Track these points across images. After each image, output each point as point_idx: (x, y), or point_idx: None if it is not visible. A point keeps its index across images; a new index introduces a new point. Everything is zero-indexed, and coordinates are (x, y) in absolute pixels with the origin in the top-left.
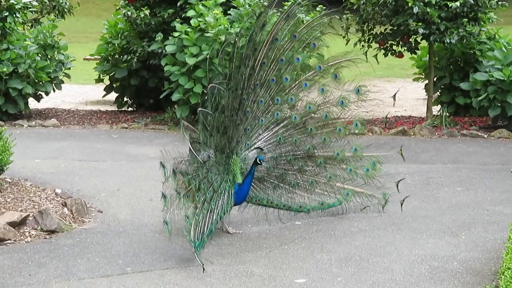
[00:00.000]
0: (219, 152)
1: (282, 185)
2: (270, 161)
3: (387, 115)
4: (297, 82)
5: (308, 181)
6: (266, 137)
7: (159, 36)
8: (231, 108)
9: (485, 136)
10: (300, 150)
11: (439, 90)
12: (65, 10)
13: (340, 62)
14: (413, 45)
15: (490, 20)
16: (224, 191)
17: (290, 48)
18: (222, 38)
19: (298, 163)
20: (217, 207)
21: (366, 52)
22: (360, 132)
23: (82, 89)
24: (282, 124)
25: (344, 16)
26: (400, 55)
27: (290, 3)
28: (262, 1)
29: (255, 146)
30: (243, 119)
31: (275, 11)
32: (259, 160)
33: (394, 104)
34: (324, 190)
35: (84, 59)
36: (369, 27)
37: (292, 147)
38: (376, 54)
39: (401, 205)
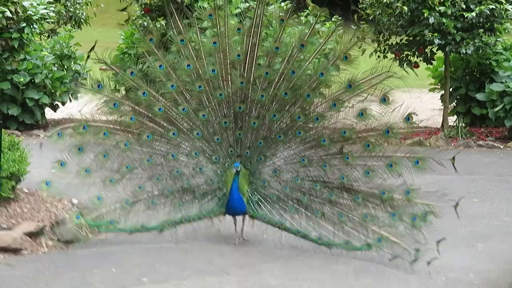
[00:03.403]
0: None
1: (302, 210)
2: (289, 182)
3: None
4: (323, 100)
5: (338, 215)
6: (286, 155)
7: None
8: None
9: (502, 147)
10: (332, 178)
11: (455, 101)
12: (82, 20)
13: (371, 79)
14: (429, 55)
15: (506, 30)
16: (212, 194)
17: (308, 60)
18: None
19: (329, 192)
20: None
21: (403, 64)
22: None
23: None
24: (308, 145)
25: (360, 26)
26: (416, 65)
27: (306, 13)
28: (278, 11)
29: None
30: (247, 132)
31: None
32: (234, 168)
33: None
34: (355, 229)
35: (100, 69)
36: (385, 38)
37: (321, 173)
38: (412, 65)
39: (437, 245)
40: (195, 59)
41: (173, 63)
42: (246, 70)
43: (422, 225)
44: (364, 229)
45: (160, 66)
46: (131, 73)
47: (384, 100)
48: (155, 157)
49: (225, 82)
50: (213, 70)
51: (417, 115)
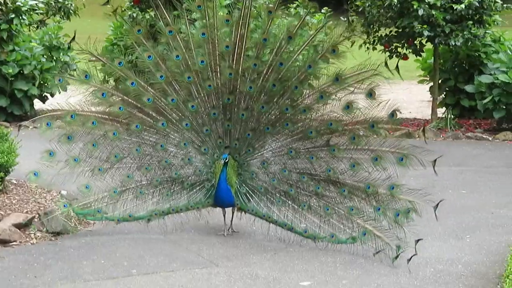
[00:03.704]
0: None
1: (290, 203)
2: (277, 174)
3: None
4: (311, 92)
5: (324, 208)
6: (274, 147)
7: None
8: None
9: (490, 138)
10: (319, 171)
11: (444, 93)
12: (71, 11)
13: (358, 75)
14: (418, 47)
15: (495, 22)
16: (200, 185)
17: (296, 52)
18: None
19: (315, 185)
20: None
21: (386, 62)
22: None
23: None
24: (296, 137)
25: (349, 18)
26: (405, 57)
27: (296, 4)
28: (267, 3)
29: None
30: (236, 124)
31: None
32: (222, 159)
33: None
34: (341, 222)
35: (90, 60)
36: (374, 29)
37: (308, 165)
38: (397, 65)
39: (415, 244)
40: (184, 50)
41: (162, 54)
42: (234, 62)
43: (404, 221)
44: (350, 222)
45: (149, 57)
46: (119, 63)
47: (371, 95)
48: (144, 147)
49: (214, 73)
50: (202, 61)
51: (401, 112)
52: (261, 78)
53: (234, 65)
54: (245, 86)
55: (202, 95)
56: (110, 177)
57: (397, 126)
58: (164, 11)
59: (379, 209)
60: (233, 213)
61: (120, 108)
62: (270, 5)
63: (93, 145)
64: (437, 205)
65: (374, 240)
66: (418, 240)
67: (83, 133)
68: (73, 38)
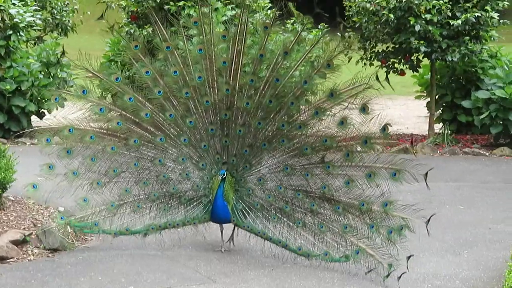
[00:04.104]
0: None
1: (285, 219)
2: (273, 191)
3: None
4: (306, 108)
5: (318, 225)
6: (270, 164)
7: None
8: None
9: (487, 154)
10: (313, 187)
11: (441, 108)
12: (68, 28)
13: (352, 89)
14: (415, 63)
15: (492, 38)
16: (197, 201)
17: (293, 68)
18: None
19: (310, 202)
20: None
21: (376, 75)
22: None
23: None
24: (292, 154)
25: (346, 34)
26: (402, 73)
27: (293, 21)
28: (264, 19)
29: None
30: (233, 140)
31: (278, 29)
32: (220, 175)
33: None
34: (334, 240)
35: (87, 76)
36: (371, 45)
37: (304, 182)
38: (387, 76)
39: (407, 261)
40: (181, 66)
41: (160, 70)
42: (231, 77)
43: (397, 238)
44: (343, 240)
45: (147, 72)
46: (116, 78)
47: (364, 109)
48: (142, 162)
49: (211, 89)
50: (199, 77)
51: (391, 126)
52: (258, 94)
53: (231, 81)
54: (242, 102)
55: (200, 110)
56: (108, 190)
57: (390, 140)
58: (162, 27)
59: (372, 226)
60: (233, 229)
61: (118, 123)
62: (267, 21)
63: (92, 159)
64: (429, 220)
65: (367, 259)
66: (409, 257)
67: (82, 147)
68: (63, 53)
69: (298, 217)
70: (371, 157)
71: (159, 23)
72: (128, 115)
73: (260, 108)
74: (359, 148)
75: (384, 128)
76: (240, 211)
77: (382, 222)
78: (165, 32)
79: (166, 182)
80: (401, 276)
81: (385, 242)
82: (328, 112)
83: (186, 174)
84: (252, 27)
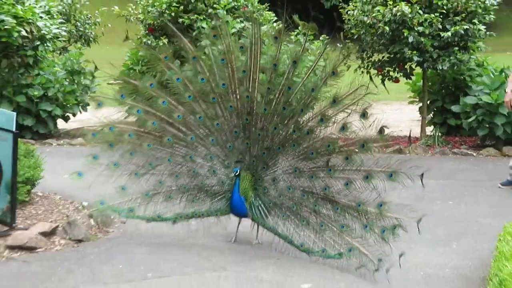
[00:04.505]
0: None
1: (292, 217)
2: (283, 191)
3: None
4: (313, 116)
5: (319, 224)
6: (283, 166)
7: (177, 63)
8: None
9: (475, 154)
10: (317, 189)
11: (432, 112)
12: (91, 39)
13: (352, 94)
14: (408, 71)
15: (479, 48)
16: (221, 195)
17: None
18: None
19: (314, 202)
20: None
21: (370, 76)
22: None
23: (106, 111)
24: (301, 157)
25: (345, 44)
26: (396, 80)
27: (296, 32)
28: (270, 31)
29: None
30: (254, 142)
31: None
32: (233, 172)
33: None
34: (332, 238)
35: (108, 83)
36: (368, 55)
37: (310, 183)
38: (384, 81)
39: (399, 258)
40: (207, 74)
41: (188, 77)
42: (250, 85)
43: (390, 237)
44: (340, 238)
45: (178, 79)
46: (151, 84)
47: (364, 115)
48: (175, 157)
49: (233, 95)
50: (223, 84)
51: (388, 128)
52: (274, 101)
53: (250, 89)
54: (260, 108)
55: (225, 114)
56: (144, 181)
57: (386, 142)
58: (186, 40)
59: (366, 226)
60: (258, 227)
61: (153, 123)
62: (276, 33)
63: (131, 153)
64: (420, 219)
65: (359, 256)
66: (401, 255)
67: (122, 142)
68: (96, 67)
69: (304, 216)
70: (369, 161)
71: (183, 37)
72: (162, 116)
73: (276, 114)
74: (355, 152)
75: (381, 130)
76: (256, 208)
77: (376, 222)
78: (190, 45)
79: (196, 176)
80: (389, 268)
81: (378, 241)
82: (333, 119)
83: (213, 171)
84: (264, 38)
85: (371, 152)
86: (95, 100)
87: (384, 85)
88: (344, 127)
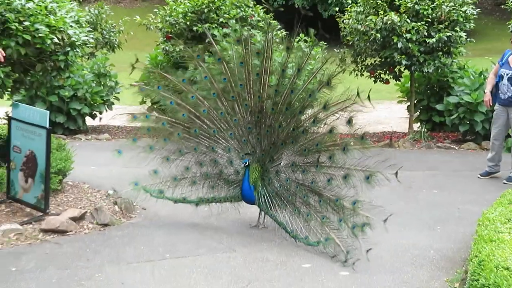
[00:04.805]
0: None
1: (288, 207)
2: (283, 182)
3: (397, 172)
4: (308, 118)
5: (307, 214)
6: (285, 159)
7: (192, 67)
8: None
9: (456, 148)
10: (307, 182)
11: (419, 111)
12: (115, 45)
13: (339, 104)
14: (397, 73)
15: (461, 53)
16: (236, 184)
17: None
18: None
19: (305, 194)
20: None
21: (358, 92)
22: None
23: (128, 109)
24: (297, 153)
25: (341, 50)
26: (387, 82)
27: (297, 39)
28: (275, 38)
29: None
30: (263, 137)
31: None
32: (243, 163)
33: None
34: (315, 228)
35: (131, 85)
36: (362, 59)
37: (302, 177)
38: (369, 94)
39: (367, 253)
40: (229, 74)
41: (214, 75)
42: (262, 87)
43: (359, 234)
44: (321, 228)
45: (205, 77)
46: (183, 80)
47: (349, 122)
48: (201, 147)
49: (249, 95)
50: (241, 84)
51: (368, 138)
52: (280, 102)
53: (261, 90)
54: (269, 108)
55: (242, 111)
56: (174, 166)
57: (367, 146)
58: (214, 43)
59: (341, 220)
60: (264, 213)
61: (183, 114)
62: (282, 41)
63: (164, 140)
64: (386, 219)
65: (334, 246)
66: (368, 250)
67: (158, 129)
68: (133, 67)
69: (296, 206)
70: (351, 160)
71: (213, 41)
72: (190, 108)
73: (281, 113)
74: (339, 152)
75: (363, 136)
76: (262, 196)
77: (349, 218)
78: (216, 48)
79: (216, 165)
80: (355, 262)
81: (350, 235)
82: (324, 122)
83: (231, 161)
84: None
85: (350, 153)
86: (137, 87)
87: (369, 98)
88: (331, 130)
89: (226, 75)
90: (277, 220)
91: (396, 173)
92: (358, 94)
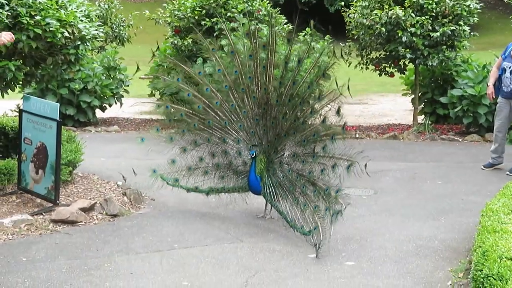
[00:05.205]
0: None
1: (289, 197)
2: (285, 172)
3: (366, 164)
4: (307, 108)
5: (303, 204)
6: (287, 150)
7: (200, 60)
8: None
9: (460, 140)
10: (306, 172)
11: (423, 103)
12: (125, 39)
13: (329, 94)
14: (402, 67)
15: (464, 47)
16: (244, 174)
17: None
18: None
19: (303, 184)
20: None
21: (348, 85)
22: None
23: (139, 102)
24: (297, 144)
25: (347, 43)
26: (392, 75)
27: (304, 33)
28: (281, 31)
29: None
30: (268, 129)
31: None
32: (250, 154)
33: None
34: (309, 217)
35: (140, 78)
36: (367, 53)
37: (302, 167)
38: (348, 85)
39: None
40: (240, 67)
41: (226, 68)
42: (267, 79)
43: (335, 221)
44: (313, 218)
45: (219, 69)
46: (199, 72)
47: (338, 112)
48: (214, 138)
49: (256, 87)
50: (249, 77)
51: (347, 132)
52: (283, 94)
53: (267, 82)
54: (273, 99)
55: (251, 103)
56: (190, 157)
57: (347, 136)
58: (230, 36)
59: (327, 209)
60: (267, 203)
61: (198, 106)
62: (287, 34)
63: (183, 130)
64: (348, 205)
65: (319, 235)
66: (317, 245)
67: (177, 121)
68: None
69: (296, 196)
70: (338, 150)
71: (228, 33)
72: (205, 100)
73: (284, 105)
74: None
75: (343, 127)
76: (267, 186)
77: (333, 206)
78: (231, 41)
79: (227, 156)
80: (317, 254)
81: (330, 222)
82: (319, 112)
83: (239, 153)
84: (279, 38)
85: (336, 143)
86: (159, 78)
87: (348, 89)
88: (324, 120)
89: (237, 68)
90: (279, 210)
91: (365, 165)
92: (348, 87)
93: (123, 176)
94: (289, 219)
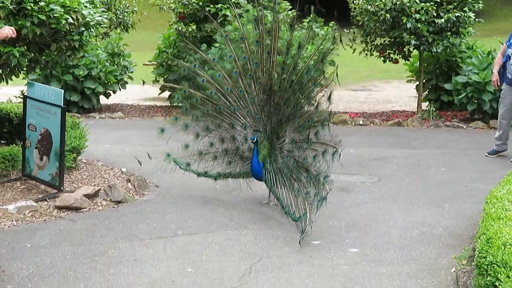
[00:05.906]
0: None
1: (286, 183)
2: (284, 158)
3: (339, 155)
4: (304, 94)
5: (297, 191)
6: (287, 136)
7: (204, 46)
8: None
9: (464, 127)
10: (301, 158)
11: (427, 90)
12: (129, 25)
13: (322, 80)
14: (406, 53)
15: (469, 33)
16: (249, 160)
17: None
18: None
19: (299, 170)
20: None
21: (337, 72)
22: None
23: (142, 89)
24: (296, 130)
25: (351, 30)
26: (396, 61)
27: (308, 20)
28: (285, 18)
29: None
30: (272, 115)
31: (297, 26)
32: (251, 140)
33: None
34: (301, 203)
35: (144, 64)
36: (371, 39)
37: (298, 153)
38: (336, 72)
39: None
40: (249, 52)
41: (236, 55)
42: (271, 65)
43: (320, 207)
44: (303, 204)
45: (230, 56)
46: (213, 59)
47: (329, 98)
48: (224, 124)
49: (262, 73)
50: (256, 63)
51: (331, 121)
52: (285, 80)
53: (270, 68)
54: (276, 85)
55: (257, 89)
56: (202, 142)
57: (332, 122)
58: (240, 22)
59: (315, 195)
60: (270, 191)
61: (211, 92)
62: (290, 21)
63: (197, 117)
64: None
65: (307, 221)
66: (303, 230)
67: (192, 106)
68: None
69: (291, 182)
70: (327, 136)
71: (238, 18)
72: (218, 87)
73: (285, 91)
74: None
75: (329, 114)
76: (269, 173)
77: (320, 191)
78: (241, 26)
79: (235, 142)
80: (301, 240)
81: (315, 209)
82: (314, 98)
83: (246, 138)
84: (282, 25)
85: (325, 129)
86: (182, 66)
87: (337, 75)
88: (317, 106)
89: (246, 54)
90: (277, 196)
91: (339, 155)
92: (337, 74)
93: (138, 160)
94: (285, 204)
